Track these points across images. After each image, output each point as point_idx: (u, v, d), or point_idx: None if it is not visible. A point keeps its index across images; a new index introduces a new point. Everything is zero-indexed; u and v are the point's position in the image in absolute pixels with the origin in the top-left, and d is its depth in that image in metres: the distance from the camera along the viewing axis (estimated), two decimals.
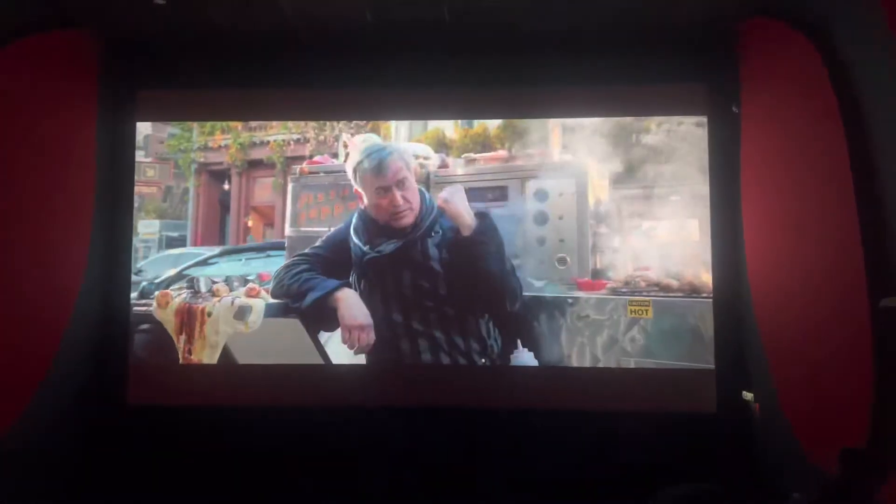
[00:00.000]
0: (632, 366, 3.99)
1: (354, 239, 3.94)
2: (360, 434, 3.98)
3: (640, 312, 3.95)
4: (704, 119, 4.10)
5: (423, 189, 3.99)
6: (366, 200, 3.92)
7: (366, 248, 3.90)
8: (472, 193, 4.00)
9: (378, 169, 3.83)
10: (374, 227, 3.92)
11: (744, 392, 3.82)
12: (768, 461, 3.63)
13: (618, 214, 4.10)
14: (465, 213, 3.80)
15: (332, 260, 3.98)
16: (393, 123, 4.47)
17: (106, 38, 4.02)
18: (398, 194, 3.81)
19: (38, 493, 3.58)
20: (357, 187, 3.95)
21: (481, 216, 3.82)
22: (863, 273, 2.79)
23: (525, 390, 4.00)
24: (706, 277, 3.98)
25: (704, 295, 3.96)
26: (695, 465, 3.40)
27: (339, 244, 3.99)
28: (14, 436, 3.40)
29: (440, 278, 3.89)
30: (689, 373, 3.94)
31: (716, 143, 4.04)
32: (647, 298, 3.96)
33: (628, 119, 4.24)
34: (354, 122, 4.49)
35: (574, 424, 3.90)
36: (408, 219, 3.86)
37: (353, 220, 3.98)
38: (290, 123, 4.56)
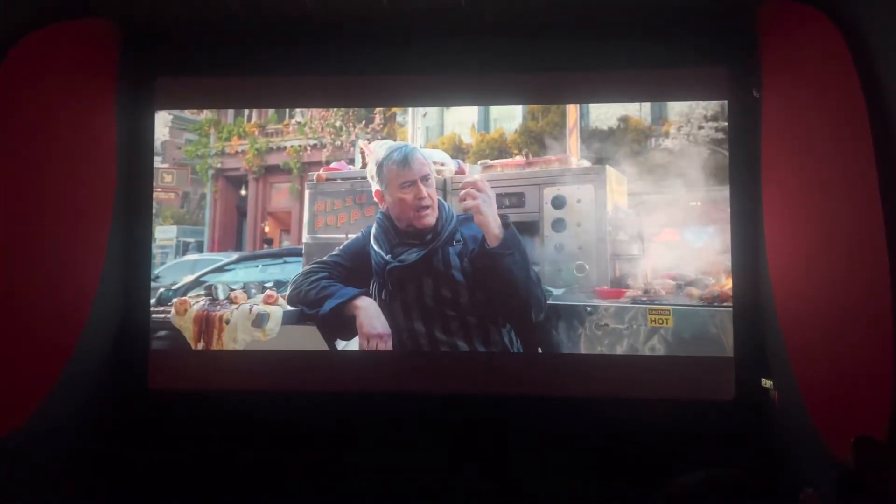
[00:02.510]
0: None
1: (375, 248, 3.93)
2: (379, 419, 4.00)
3: (660, 321, 3.91)
4: (725, 124, 4.05)
5: (441, 199, 3.97)
6: (388, 199, 3.90)
7: (387, 258, 3.89)
8: None
9: (404, 162, 3.84)
10: (396, 233, 3.91)
11: (763, 379, 3.77)
12: (786, 450, 3.59)
13: (637, 221, 4.06)
14: (493, 222, 3.74)
15: (351, 269, 3.97)
16: (409, 129, 4.46)
17: (125, 25, 4.02)
18: (423, 188, 3.82)
19: (56, 481, 3.63)
20: (379, 187, 3.93)
21: (505, 226, 3.78)
22: (886, 263, 2.74)
23: (540, 377, 3.98)
24: (728, 286, 3.93)
25: (726, 304, 3.90)
26: (712, 453, 3.34)
27: (357, 254, 3.98)
28: (33, 423, 3.45)
29: (462, 287, 3.87)
30: (707, 360, 3.89)
31: (736, 127, 3.99)
32: (667, 307, 3.91)
33: (647, 123, 4.20)
34: (371, 127, 4.48)
35: (591, 411, 3.87)
36: (430, 218, 3.85)
37: (373, 230, 3.97)
38: (306, 129, 4.56)
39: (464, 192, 3.75)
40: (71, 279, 3.77)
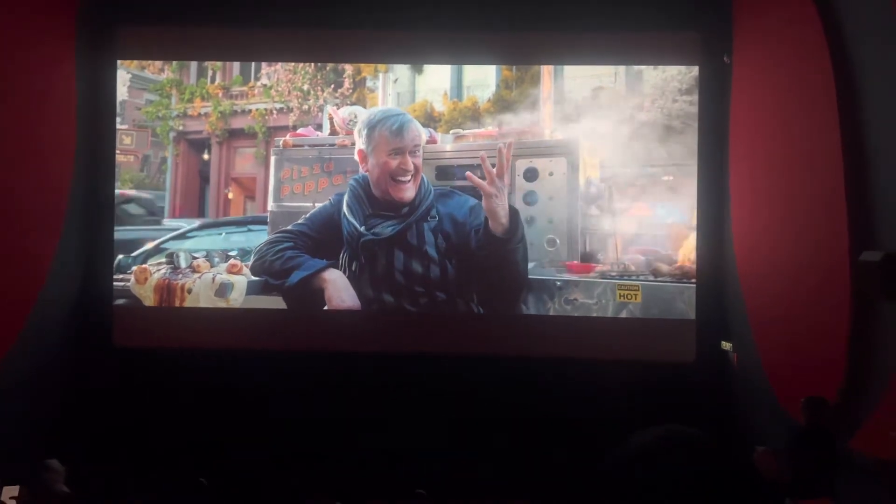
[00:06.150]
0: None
1: (349, 217, 3.85)
2: (343, 377, 3.96)
3: (629, 297, 3.91)
4: (696, 97, 4.02)
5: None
6: (371, 161, 3.81)
7: (362, 230, 3.82)
8: (460, 171, 3.91)
9: (400, 131, 3.80)
10: (370, 202, 3.83)
11: (723, 342, 3.85)
12: (743, 409, 3.69)
13: (609, 195, 4.03)
14: (502, 211, 3.71)
15: (317, 239, 3.89)
16: (379, 94, 4.33)
17: None
18: (410, 159, 3.79)
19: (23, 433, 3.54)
20: (363, 147, 3.84)
21: (514, 216, 3.73)
22: (846, 232, 2.79)
23: (506, 339, 3.99)
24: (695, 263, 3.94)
25: (694, 280, 3.92)
26: (672, 412, 3.41)
27: (325, 223, 3.90)
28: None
29: (434, 263, 3.84)
30: (670, 323, 3.94)
31: (706, 93, 3.98)
32: (636, 283, 3.92)
33: (622, 95, 4.15)
34: (340, 92, 4.34)
35: (555, 372, 3.89)
36: (409, 192, 3.80)
37: (346, 198, 3.87)
38: (272, 91, 4.40)
39: (498, 163, 3.67)
40: (29, 236, 3.63)
